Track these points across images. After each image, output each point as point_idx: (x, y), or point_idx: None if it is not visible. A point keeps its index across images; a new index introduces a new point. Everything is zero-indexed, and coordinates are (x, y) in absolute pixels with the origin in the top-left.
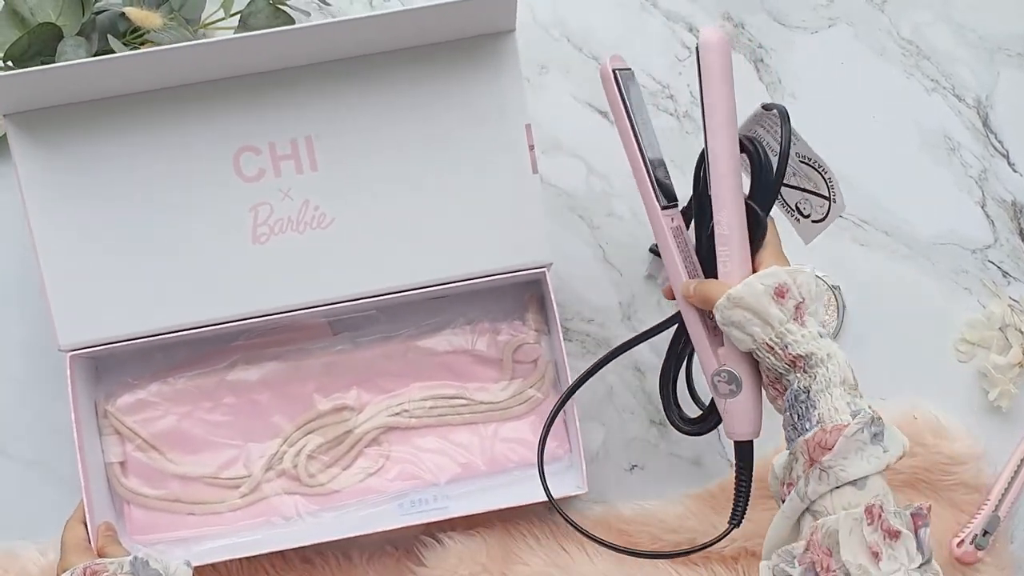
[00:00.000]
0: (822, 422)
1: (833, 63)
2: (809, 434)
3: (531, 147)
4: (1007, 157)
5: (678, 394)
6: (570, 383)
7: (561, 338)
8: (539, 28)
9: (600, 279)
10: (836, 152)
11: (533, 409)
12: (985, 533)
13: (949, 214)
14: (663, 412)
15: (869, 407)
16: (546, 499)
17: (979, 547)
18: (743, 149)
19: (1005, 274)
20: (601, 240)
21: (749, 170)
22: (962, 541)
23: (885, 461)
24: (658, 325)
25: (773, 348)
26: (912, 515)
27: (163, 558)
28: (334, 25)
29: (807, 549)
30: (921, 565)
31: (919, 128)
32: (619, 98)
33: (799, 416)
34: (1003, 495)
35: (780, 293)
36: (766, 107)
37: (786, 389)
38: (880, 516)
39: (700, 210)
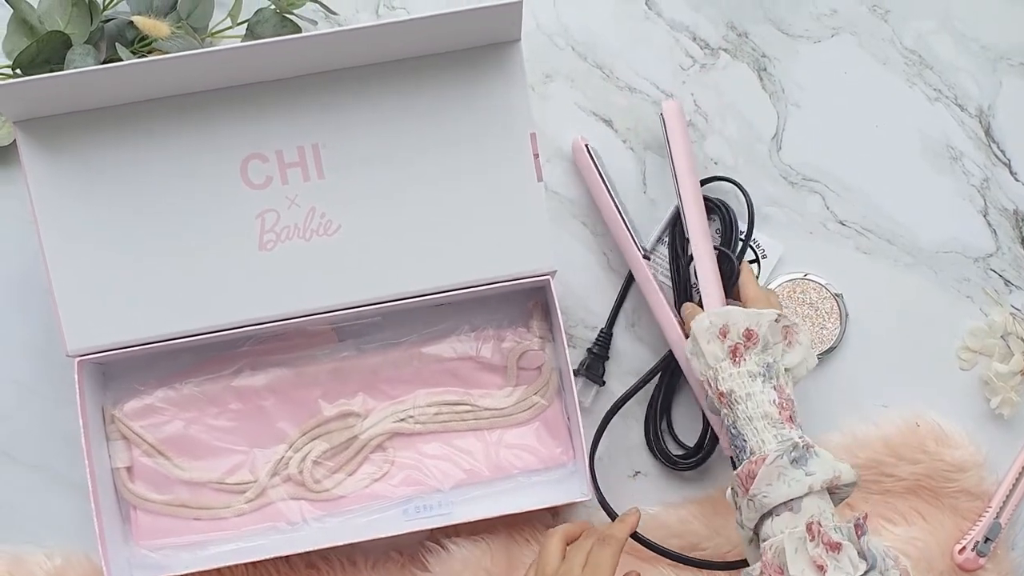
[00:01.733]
0: (752, 454)
1: (836, 72)
2: (740, 467)
3: (536, 155)
4: (1009, 166)
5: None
6: (572, 395)
7: (565, 345)
8: (544, 37)
9: (604, 286)
10: (839, 160)
11: (537, 416)
12: (987, 540)
13: (951, 223)
14: (653, 454)
15: (800, 437)
16: (549, 506)
17: (981, 554)
18: (712, 211)
19: (1007, 283)
20: (605, 247)
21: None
22: (964, 548)
23: (807, 484)
24: (649, 372)
25: (709, 383)
26: (853, 526)
27: None
28: (340, 34)
29: (762, 571)
30: (866, 572)
31: (921, 137)
32: (593, 166)
33: (738, 451)
34: (1004, 502)
35: (723, 332)
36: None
37: None
38: (820, 531)
39: (675, 255)
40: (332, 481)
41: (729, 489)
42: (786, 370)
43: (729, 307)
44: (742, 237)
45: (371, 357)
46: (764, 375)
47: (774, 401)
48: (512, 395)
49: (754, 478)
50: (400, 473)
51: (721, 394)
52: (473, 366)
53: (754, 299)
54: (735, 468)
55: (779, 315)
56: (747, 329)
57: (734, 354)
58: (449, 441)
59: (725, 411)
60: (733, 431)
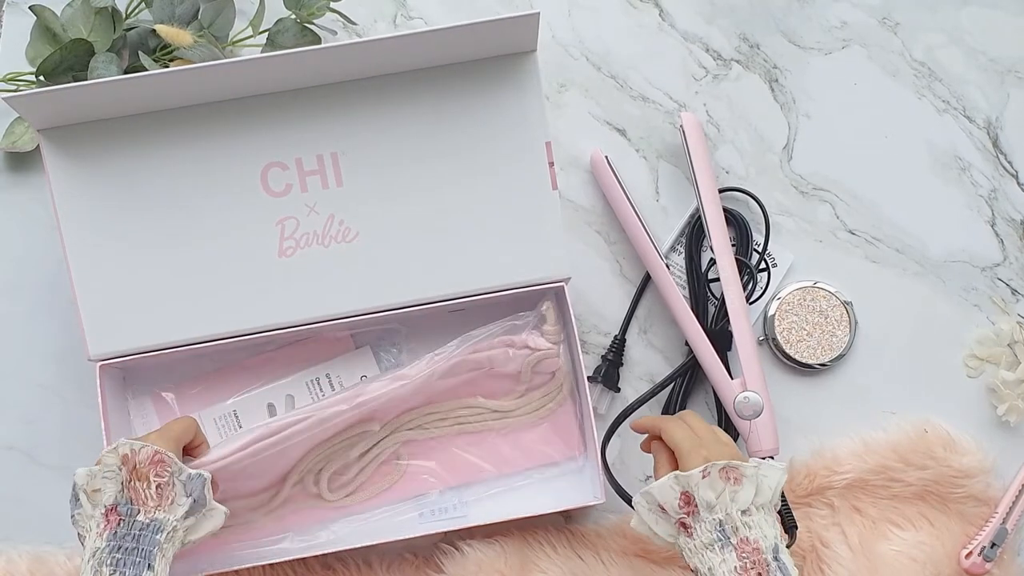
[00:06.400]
0: None
1: (846, 83)
2: None
3: (551, 164)
4: (1016, 177)
5: None
6: (584, 397)
7: (579, 351)
8: (559, 48)
9: (617, 293)
10: (849, 170)
11: (546, 418)
12: (993, 545)
13: (959, 233)
14: None
15: None
16: (562, 509)
17: (987, 559)
18: (728, 221)
19: (1014, 292)
20: (618, 255)
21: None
22: (971, 553)
23: None
24: (667, 379)
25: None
26: None
27: (210, 494)
28: (360, 45)
29: None
30: None
31: (930, 148)
32: (614, 177)
33: None
34: (1011, 508)
35: (661, 507)
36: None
37: None
38: None
39: (691, 263)
40: (349, 487)
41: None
42: (743, 512)
43: (658, 483)
44: (756, 248)
45: (387, 362)
46: (720, 540)
47: (735, 568)
48: (524, 398)
49: None
50: (414, 476)
51: (691, 569)
52: (487, 371)
53: (681, 450)
54: None
55: (705, 468)
56: (683, 493)
57: (684, 528)
58: (461, 444)
59: None
60: None
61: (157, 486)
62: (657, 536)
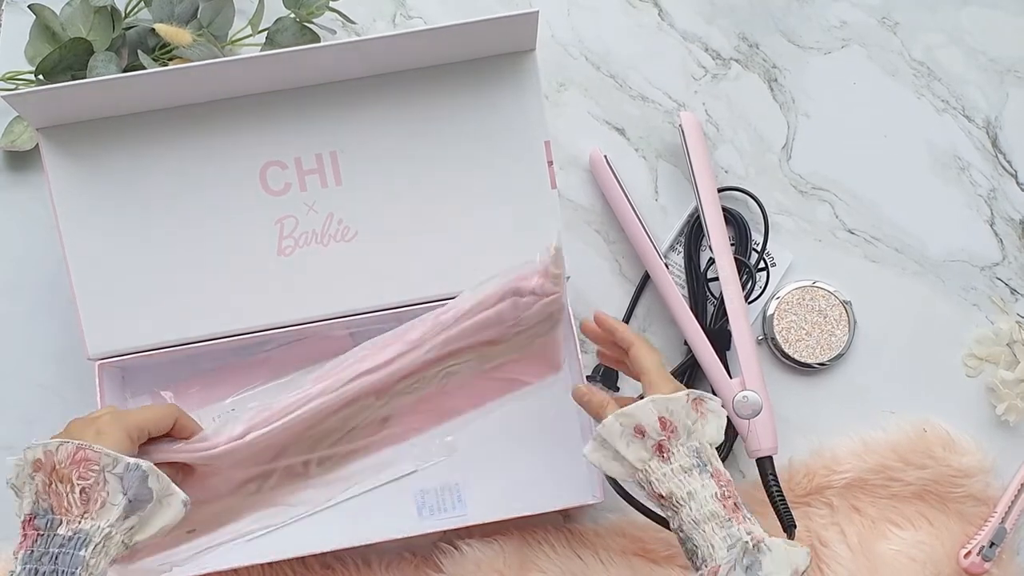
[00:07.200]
0: (705, 563)
1: (846, 83)
2: None
3: (550, 163)
4: (1015, 177)
5: None
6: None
7: (579, 350)
8: (558, 47)
9: (616, 292)
10: (848, 170)
11: (528, 348)
12: (992, 545)
13: (958, 232)
14: None
15: (748, 532)
16: (560, 508)
17: (986, 558)
18: (728, 221)
19: (1013, 291)
20: (617, 255)
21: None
22: (969, 552)
23: None
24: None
25: (642, 485)
26: None
27: (166, 483)
28: (359, 43)
29: None
30: None
31: (930, 147)
32: (613, 177)
33: (691, 557)
34: (1010, 507)
35: (639, 431)
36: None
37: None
38: None
39: (689, 263)
40: (334, 459)
41: None
42: (710, 445)
43: (637, 404)
44: (755, 247)
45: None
46: (698, 466)
47: (715, 495)
48: (512, 340)
49: None
50: (396, 435)
51: (660, 497)
52: (494, 329)
53: (652, 374)
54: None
55: (688, 393)
56: (661, 419)
57: (660, 451)
58: (446, 389)
59: (669, 514)
60: (681, 534)
61: (81, 490)
62: (621, 461)
